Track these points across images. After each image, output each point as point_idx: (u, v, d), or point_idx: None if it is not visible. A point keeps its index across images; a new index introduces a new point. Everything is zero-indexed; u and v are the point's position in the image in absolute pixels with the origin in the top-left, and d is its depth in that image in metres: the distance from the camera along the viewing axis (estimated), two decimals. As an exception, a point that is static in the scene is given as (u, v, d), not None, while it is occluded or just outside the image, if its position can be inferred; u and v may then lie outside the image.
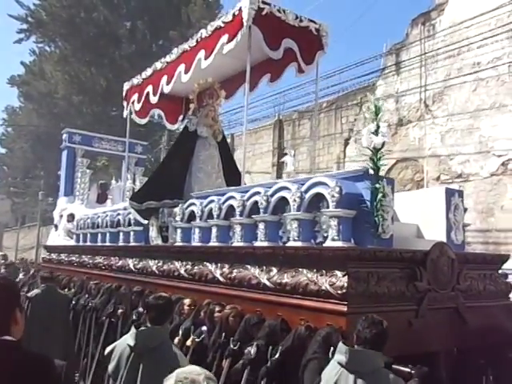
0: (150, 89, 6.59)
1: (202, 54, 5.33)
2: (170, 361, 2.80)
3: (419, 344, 3.33)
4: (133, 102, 7.22)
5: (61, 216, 10.16)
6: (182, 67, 5.71)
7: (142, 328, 3.00)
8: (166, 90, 6.14)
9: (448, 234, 4.03)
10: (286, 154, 16.69)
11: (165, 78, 6.13)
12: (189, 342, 3.91)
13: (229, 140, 16.08)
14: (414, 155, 12.88)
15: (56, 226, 10.50)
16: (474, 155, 11.26)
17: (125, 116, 7.56)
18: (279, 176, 16.60)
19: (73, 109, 23.44)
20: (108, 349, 3.19)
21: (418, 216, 4.22)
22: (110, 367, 3.04)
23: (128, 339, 3.00)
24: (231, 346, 3.52)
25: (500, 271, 8.86)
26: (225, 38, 5.00)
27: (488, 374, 3.84)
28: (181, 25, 22.42)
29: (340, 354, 2.53)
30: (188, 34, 20.31)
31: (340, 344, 2.60)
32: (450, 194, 4.10)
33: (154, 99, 6.52)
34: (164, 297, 3.23)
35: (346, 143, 14.81)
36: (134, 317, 4.72)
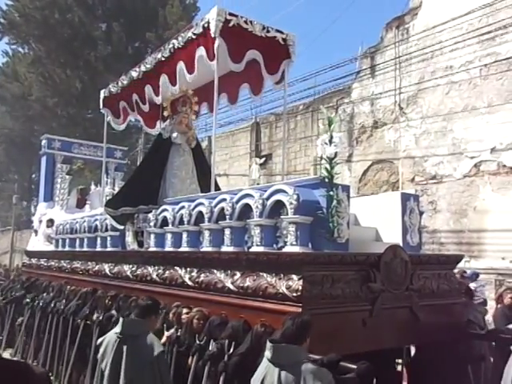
0: (136, 97, 6.61)
1: (182, 65, 5.41)
2: (148, 347, 3.44)
3: (373, 342, 3.55)
4: (119, 110, 7.24)
5: (40, 221, 10.23)
6: (165, 78, 5.76)
7: (128, 319, 3.67)
8: (158, 101, 6.21)
9: (404, 236, 4.25)
10: (264, 156, 17.02)
11: (150, 89, 6.16)
12: (164, 339, 4.16)
13: (206, 142, 16.22)
14: (389, 157, 13.05)
15: (36, 232, 10.55)
16: (448, 157, 11.45)
17: (111, 123, 7.62)
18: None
19: (47, 111, 23.22)
20: (99, 340, 3.84)
21: (377, 220, 4.44)
22: (100, 353, 3.67)
23: (116, 329, 3.64)
24: (197, 341, 3.74)
25: (470, 271, 9.18)
26: (201, 50, 5.08)
27: (443, 370, 4.09)
28: (157, 27, 22.42)
29: (267, 350, 2.78)
30: (165, 35, 20.38)
31: (268, 341, 2.84)
32: (405, 198, 4.33)
33: (145, 108, 6.58)
34: (148, 299, 3.90)
35: (323, 145, 15.02)
36: (100, 319, 5.01)
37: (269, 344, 2.80)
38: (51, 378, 6.05)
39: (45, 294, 7.10)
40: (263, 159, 16.84)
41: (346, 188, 3.75)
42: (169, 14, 22.57)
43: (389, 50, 13.28)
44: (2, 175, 32.61)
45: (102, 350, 3.62)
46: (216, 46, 4.80)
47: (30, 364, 2.28)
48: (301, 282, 3.27)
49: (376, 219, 4.43)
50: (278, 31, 5.37)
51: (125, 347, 3.46)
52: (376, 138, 13.48)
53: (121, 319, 3.67)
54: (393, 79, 13.04)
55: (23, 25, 22.87)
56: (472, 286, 8.60)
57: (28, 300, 7.39)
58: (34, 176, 29.10)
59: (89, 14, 23.17)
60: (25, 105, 24.42)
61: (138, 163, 18.20)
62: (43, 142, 11.19)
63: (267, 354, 2.78)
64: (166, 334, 4.22)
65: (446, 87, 11.68)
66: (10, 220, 28.03)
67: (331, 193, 3.50)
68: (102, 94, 7.61)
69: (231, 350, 3.45)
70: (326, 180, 3.56)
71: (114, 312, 5.06)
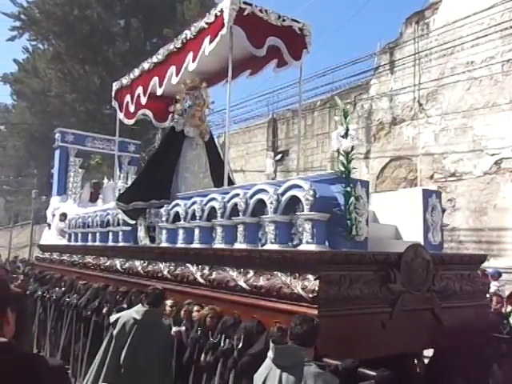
0: (140, 90, 6.57)
1: (190, 56, 5.32)
2: (163, 331, 4.03)
3: (393, 346, 3.36)
4: (127, 104, 7.20)
5: (53, 215, 10.21)
6: (172, 69, 5.68)
7: (147, 308, 4.04)
8: (159, 92, 6.13)
9: (425, 234, 4.05)
10: (281, 152, 16.86)
11: (156, 80, 6.10)
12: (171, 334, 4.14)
13: (222, 139, 16.10)
14: (407, 154, 12.84)
15: (49, 225, 10.54)
16: (468, 154, 11.24)
17: (118, 116, 7.56)
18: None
19: (66, 107, 23.36)
20: (113, 317, 4.21)
21: (397, 217, 4.24)
22: (115, 331, 4.01)
23: (133, 314, 4.03)
24: (211, 339, 3.62)
25: (491, 270, 8.93)
26: (208, 39, 5.01)
27: (464, 374, 3.88)
28: (175, 23, 22.35)
29: (270, 350, 2.72)
30: (182, 31, 20.31)
31: (271, 341, 2.76)
32: (427, 195, 4.12)
33: (143, 100, 6.53)
34: (158, 288, 4.37)
35: (340, 142, 14.84)
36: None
37: (271, 344, 2.74)
38: (68, 370, 6.01)
39: (57, 289, 7.05)
40: (280, 155, 16.66)
41: (365, 184, 3.57)
42: (186, 10, 22.46)
43: (408, 46, 13.02)
44: (21, 170, 33.10)
45: (118, 329, 3.94)
46: (223, 33, 4.73)
47: (45, 357, 2.21)
48: (317, 282, 3.10)
49: (396, 216, 4.23)
50: (293, 20, 5.22)
51: (142, 333, 3.85)
52: (394, 134, 13.25)
53: (140, 307, 4.05)
54: (412, 75, 12.79)
55: (43, 21, 23.04)
56: (495, 285, 8.38)
57: (39, 293, 7.35)
58: (52, 171, 29.36)
59: (107, 11, 23.24)
60: (44, 100, 24.63)
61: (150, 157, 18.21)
62: (57, 136, 11.16)
63: (270, 354, 2.73)
64: (174, 329, 4.14)
65: (467, 83, 11.40)
66: (30, 214, 28.42)
67: (348, 189, 3.31)
68: (114, 86, 7.51)
69: (240, 345, 3.32)
70: (343, 175, 3.37)
71: (125, 306, 4.97)
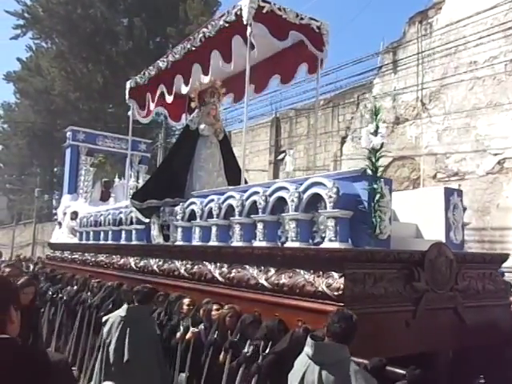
0: (163, 88, 6.49)
1: (216, 54, 5.27)
2: (148, 329, 4.09)
3: (417, 344, 3.35)
4: (143, 102, 7.15)
5: (64, 214, 10.18)
6: (198, 67, 5.63)
7: (132, 305, 4.18)
8: (184, 90, 6.06)
9: (447, 233, 4.04)
10: (283, 151, 16.81)
11: (180, 78, 6.03)
12: (189, 335, 4.09)
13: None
14: (410, 153, 12.82)
15: (60, 224, 10.52)
16: (471, 154, 11.23)
17: (135, 115, 7.53)
18: (276, 174, 16.60)
19: (69, 105, 23.43)
20: (104, 318, 4.33)
21: (418, 216, 4.23)
22: (105, 330, 4.17)
23: (120, 312, 4.14)
24: (231, 338, 3.58)
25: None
26: (237, 39, 4.96)
27: (485, 374, 3.87)
28: (178, 22, 22.40)
29: (308, 347, 2.64)
30: (185, 30, 20.37)
31: (308, 337, 2.68)
32: (449, 193, 4.11)
33: (169, 99, 6.46)
34: (148, 286, 4.49)
35: (343, 141, 14.86)
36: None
37: (310, 341, 2.64)
38: (73, 368, 6.00)
39: (69, 287, 7.01)
40: (283, 154, 16.62)
41: (389, 181, 3.56)
42: (189, 9, 22.47)
43: (411, 45, 13.02)
44: (24, 169, 33.14)
45: (107, 328, 4.10)
46: (248, 32, 4.68)
47: (48, 351, 2.22)
48: (342, 280, 3.09)
49: (416, 215, 4.22)
50: (311, 19, 5.22)
51: (128, 329, 3.97)
52: (397, 134, 13.24)
53: (125, 306, 4.19)
54: (415, 75, 12.79)
55: (46, 20, 23.09)
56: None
57: (51, 293, 7.31)
58: (55, 169, 29.48)
59: (111, 9, 23.27)
60: (47, 99, 24.66)
61: (160, 157, 18.27)
62: (68, 134, 11.15)
63: (308, 350, 2.64)
64: (192, 329, 4.10)
65: (470, 83, 11.39)
66: (32, 213, 28.43)
67: (375, 186, 3.29)
68: (128, 84, 7.48)
69: (267, 351, 3.27)
70: (370, 172, 3.36)
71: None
